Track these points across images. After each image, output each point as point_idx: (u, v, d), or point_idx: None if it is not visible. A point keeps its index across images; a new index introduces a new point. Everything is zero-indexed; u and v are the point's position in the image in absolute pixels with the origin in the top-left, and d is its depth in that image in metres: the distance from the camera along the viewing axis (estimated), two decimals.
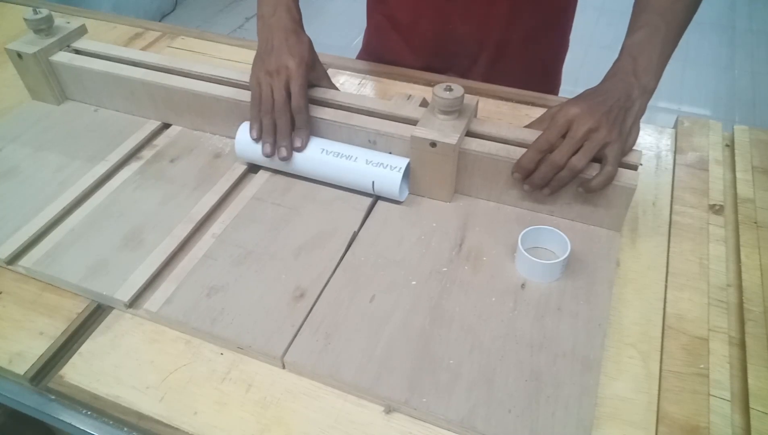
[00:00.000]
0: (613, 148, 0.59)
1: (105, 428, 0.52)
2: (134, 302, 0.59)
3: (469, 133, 0.66)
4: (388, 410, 0.51)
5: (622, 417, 0.50)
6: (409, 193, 0.69)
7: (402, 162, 0.66)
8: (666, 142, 0.78)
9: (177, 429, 0.50)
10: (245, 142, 0.70)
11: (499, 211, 0.67)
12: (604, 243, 0.64)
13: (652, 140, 0.79)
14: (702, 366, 0.53)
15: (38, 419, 0.56)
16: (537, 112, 0.82)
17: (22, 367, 0.54)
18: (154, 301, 0.58)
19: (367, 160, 0.67)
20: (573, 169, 0.59)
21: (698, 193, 0.70)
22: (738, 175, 0.72)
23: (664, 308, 0.58)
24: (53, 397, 0.54)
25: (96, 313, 0.59)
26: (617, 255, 0.63)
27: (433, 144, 0.63)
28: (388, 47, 0.94)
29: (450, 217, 0.67)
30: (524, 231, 0.61)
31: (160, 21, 2.86)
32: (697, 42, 2.69)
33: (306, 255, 0.62)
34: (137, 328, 0.58)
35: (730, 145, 0.78)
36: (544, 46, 0.92)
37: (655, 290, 0.60)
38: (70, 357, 0.55)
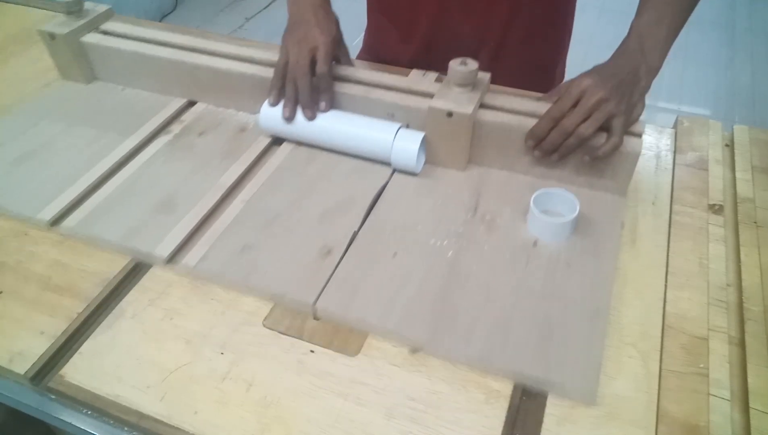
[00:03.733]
0: (619, 120, 0.63)
1: (105, 428, 0.52)
2: (173, 258, 0.63)
3: (483, 106, 0.70)
4: (413, 350, 0.55)
5: (622, 416, 0.50)
6: (426, 163, 0.73)
7: (417, 136, 0.70)
8: (666, 141, 0.78)
9: (177, 428, 0.50)
10: (269, 113, 0.74)
11: (511, 179, 0.71)
12: (610, 206, 0.68)
13: (652, 140, 0.79)
14: (702, 365, 0.53)
15: (38, 419, 0.56)
16: None
17: (22, 367, 0.54)
18: (191, 257, 0.62)
19: (384, 133, 0.70)
20: (580, 136, 0.64)
21: (698, 193, 0.70)
22: (738, 174, 0.72)
23: (664, 308, 0.58)
24: (54, 396, 0.54)
25: (93, 316, 0.59)
26: (623, 217, 0.67)
27: (450, 114, 0.67)
28: (388, 46, 0.94)
29: (465, 185, 0.71)
30: (536, 193, 0.65)
31: (160, 21, 2.86)
32: (696, 41, 2.69)
33: (330, 218, 0.66)
34: (137, 327, 0.58)
35: (730, 145, 0.78)
36: (544, 45, 0.91)
37: (655, 290, 0.60)
38: (71, 356, 0.55)
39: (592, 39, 2.66)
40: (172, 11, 3.06)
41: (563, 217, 0.63)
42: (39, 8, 1.10)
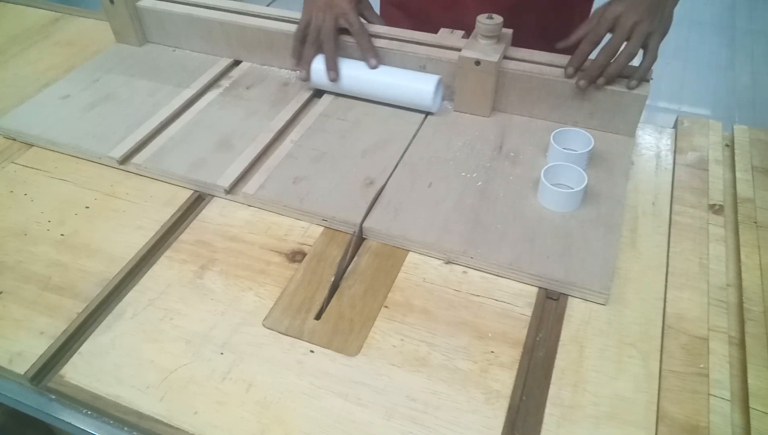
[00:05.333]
0: (655, 37, 0.69)
1: (105, 428, 0.52)
2: (233, 188, 0.71)
3: (506, 57, 0.78)
4: (447, 261, 0.62)
5: (622, 416, 0.50)
6: (454, 111, 0.81)
7: (433, 78, 0.78)
8: (666, 142, 0.78)
9: (177, 428, 0.50)
10: (318, 69, 0.82)
11: (532, 123, 0.79)
12: (620, 145, 0.75)
13: (652, 140, 0.79)
14: (702, 366, 0.53)
15: (38, 419, 0.56)
16: None
17: (22, 367, 0.54)
18: (250, 186, 0.70)
19: (404, 77, 0.79)
20: (629, 54, 0.69)
21: (698, 193, 0.70)
22: (738, 174, 0.72)
23: (664, 308, 0.58)
24: (53, 396, 0.54)
25: (93, 316, 0.59)
26: (631, 154, 0.74)
27: (477, 62, 0.75)
28: None
29: (490, 128, 0.79)
30: (555, 131, 0.71)
31: None
32: (697, 42, 2.69)
33: (371, 155, 0.74)
34: (137, 327, 0.58)
35: (730, 145, 0.78)
36: (556, 34, 0.91)
37: (655, 290, 0.60)
38: (71, 357, 0.55)
39: None
40: None
41: (578, 151, 0.70)
42: (39, 8, 1.10)
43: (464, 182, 0.70)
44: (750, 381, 0.51)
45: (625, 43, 0.69)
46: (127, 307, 0.59)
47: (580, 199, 0.66)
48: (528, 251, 0.61)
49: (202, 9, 0.91)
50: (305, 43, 0.81)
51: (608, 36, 0.71)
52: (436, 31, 0.90)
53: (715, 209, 0.68)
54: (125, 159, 0.75)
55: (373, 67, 0.79)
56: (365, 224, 0.65)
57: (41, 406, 0.54)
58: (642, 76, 0.71)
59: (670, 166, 0.74)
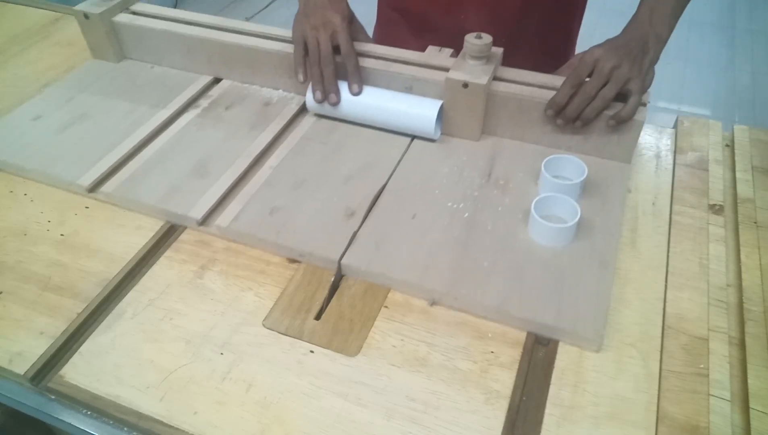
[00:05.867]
0: (636, 82, 0.67)
1: (105, 428, 0.52)
2: (205, 220, 0.67)
3: (496, 78, 0.75)
4: (432, 303, 0.58)
5: (622, 417, 0.50)
6: (442, 134, 0.77)
7: (436, 103, 0.74)
8: (666, 142, 0.78)
9: (177, 429, 0.50)
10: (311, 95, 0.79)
11: (523, 148, 0.76)
12: (616, 172, 0.72)
13: (652, 140, 0.79)
14: (702, 366, 0.53)
15: (38, 419, 0.56)
16: None
17: (22, 367, 0.54)
18: (223, 218, 0.66)
19: (404, 103, 0.76)
20: (604, 99, 0.67)
21: (698, 193, 0.70)
22: (738, 175, 0.72)
23: (664, 308, 0.58)
24: (53, 397, 0.54)
25: (93, 316, 0.59)
26: (627, 182, 0.71)
27: (465, 85, 0.71)
28: (398, 40, 0.94)
29: (479, 152, 0.75)
30: (547, 158, 0.68)
31: None
32: (697, 42, 2.69)
33: (353, 182, 0.71)
34: (137, 327, 0.58)
35: (730, 145, 0.78)
36: (555, 39, 0.92)
37: (655, 290, 0.60)
38: (71, 357, 0.55)
39: (592, 40, 2.66)
40: None
41: (572, 181, 0.68)
42: (39, 8, 1.10)
43: (451, 213, 0.66)
44: (750, 381, 0.51)
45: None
46: (127, 307, 0.59)
47: (572, 234, 0.62)
48: (517, 291, 0.57)
49: (181, 25, 0.87)
50: (311, 62, 0.77)
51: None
52: (435, 35, 0.90)
53: (715, 209, 0.68)
54: (95, 187, 0.71)
55: (355, 94, 0.77)
56: (344, 261, 0.61)
57: (41, 406, 0.54)
58: (622, 119, 0.68)
59: (670, 166, 0.74)
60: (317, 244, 0.63)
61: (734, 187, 0.71)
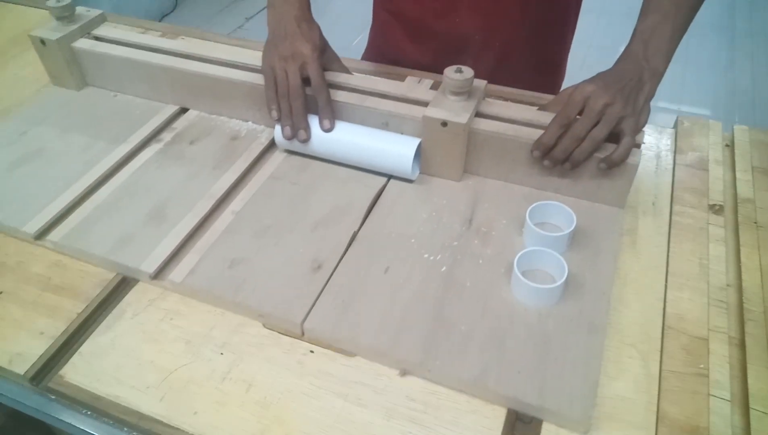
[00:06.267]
0: (629, 122, 0.62)
1: (105, 428, 0.52)
2: (159, 274, 0.61)
3: (479, 114, 0.69)
4: (403, 373, 0.53)
5: (622, 417, 0.50)
6: (420, 173, 0.72)
7: (414, 141, 0.69)
8: (666, 142, 0.78)
9: (177, 429, 0.50)
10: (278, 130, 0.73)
11: (507, 190, 0.70)
12: (608, 218, 0.66)
13: (652, 140, 0.79)
14: (702, 366, 0.53)
15: (38, 419, 0.56)
16: None
17: (22, 367, 0.54)
18: (178, 272, 0.60)
19: (380, 141, 0.70)
20: (594, 140, 0.62)
21: (698, 193, 0.70)
22: (738, 175, 0.72)
23: (664, 308, 0.58)
24: (53, 397, 0.54)
25: (93, 316, 0.59)
26: (621, 229, 0.65)
27: (444, 123, 0.66)
28: (393, 45, 0.94)
29: (460, 195, 0.69)
30: (531, 206, 0.63)
31: (160, 21, 2.86)
32: (697, 43, 2.69)
33: (322, 229, 0.65)
34: (137, 327, 0.58)
35: (730, 145, 0.78)
36: (549, 45, 0.92)
37: (655, 290, 0.60)
38: (71, 357, 0.55)
39: (592, 41, 2.66)
40: (172, 11, 3.06)
41: (560, 229, 0.63)
42: (39, 9, 1.10)
43: (427, 267, 0.60)
44: (750, 381, 0.51)
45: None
46: (127, 307, 0.59)
47: (558, 295, 0.57)
48: (496, 362, 0.52)
49: (143, 52, 0.81)
50: (279, 96, 0.71)
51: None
52: (431, 39, 0.90)
53: (715, 209, 0.68)
54: (41, 234, 0.65)
55: (326, 131, 0.71)
56: (306, 324, 0.55)
57: (41, 407, 0.54)
58: (614, 163, 0.62)
59: (670, 167, 0.74)
60: (279, 303, 0.57)
61: (734, 188, 0.71)
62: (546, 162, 0.65)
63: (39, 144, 0.77)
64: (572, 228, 0.60)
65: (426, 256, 0.62)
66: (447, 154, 0.69)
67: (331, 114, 0.71)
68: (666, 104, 2.35)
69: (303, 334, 0.56)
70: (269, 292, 0.58)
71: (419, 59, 0.92)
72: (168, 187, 0.70)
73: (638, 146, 0.64)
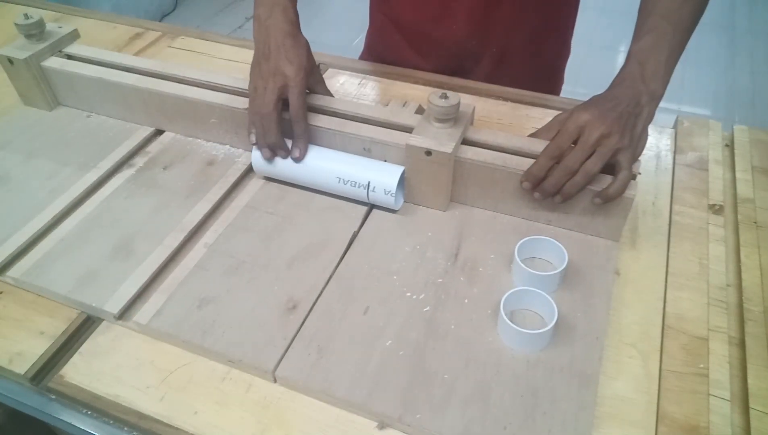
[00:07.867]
0: (626, 154, 0.58)
1: (105, 428, 0.52)
2: (124, 314, 0.58)
3: (465, 142, 0.65)
4: (382, 426, 0.50)
5: (622, 417, 0.50)
6: (404, 202, 0.68)
7: (397, 170, 0.65)
8: (666, 142, 0.78)
9: (177, 429, 0.50)
10: (258, 155, 0.69)
11: (495, 221, 0.66)
12: (602, 253, 0.62)
13: (652, 140, 0.79)
14: (702, 366, 0.53)
15: (38, 419, 0.56)
16: (536, 113, 0.82)
17: (22, 367, 0.54)
18: (144, 313, 0.57)
19: (361, 168, 0.66)
20: (587, 174, 0.58)
21: (698, 193, 0.70)
22: (738, 175, 0.72)
23: (664, 308, 0.58)
24: (53, 396, 0.54)
25: (87, 323, 0.59)
26: (616, 265, 0.62)
27: (429, 152, 0.62)
28: (390, 48, 0.94)
29: (445, 227, 0.65)
30: (520, 242, 0.59)
31: (160, 21, 2.86)
32: (697, 42, 2.67)
33: (299, 265, 0.61)
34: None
35: (730, 145, 0.78)
36: (547, 48, 0.91)
37: (655, 290, 0.60)
38: (71, 357, 0.55)
39: (593, 40, 2.66)
40: (172, 11, 3.07)
41: (551, 265, 0.60)
42: (40, 8, 1.10)
43: (409, 307, 0.57)
44: (750, 381, 0.51)
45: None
46: None
47: (548, 339, 0.53)
48: (480, 417, 0.48)
49: (115, 72, 0.77)
50: (256, 117, 0.67)
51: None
52: (428, 44, 0.89)
53: (715, 209, 0.68)
54: (1, 270, 0.62)
55: (296, 161, 0.67)
56: (278, 372, 0.52)
57: (41, 406, 0.54)
58: (609, 198, 0.59)
59: (670, 166, 0.74)
60: (249, 348, 0.53)
61: (734, 187, 0.71)
62: (536, 194, 0.62)
63: (2, 171, 0.72)
64: (564, 266, 0.57)
65: (408, 294, 0.58)
66: (432, 183, 0.65)
67: (305, 144, 0.67)
68: (666, 104, 2.34)
69: (275, 381, 0.53)
70: (240, 336, 0.55)
71: (416, 62, 0.92)
72: (137, 219, 0.66)
73: (634, 177, 0.60)
